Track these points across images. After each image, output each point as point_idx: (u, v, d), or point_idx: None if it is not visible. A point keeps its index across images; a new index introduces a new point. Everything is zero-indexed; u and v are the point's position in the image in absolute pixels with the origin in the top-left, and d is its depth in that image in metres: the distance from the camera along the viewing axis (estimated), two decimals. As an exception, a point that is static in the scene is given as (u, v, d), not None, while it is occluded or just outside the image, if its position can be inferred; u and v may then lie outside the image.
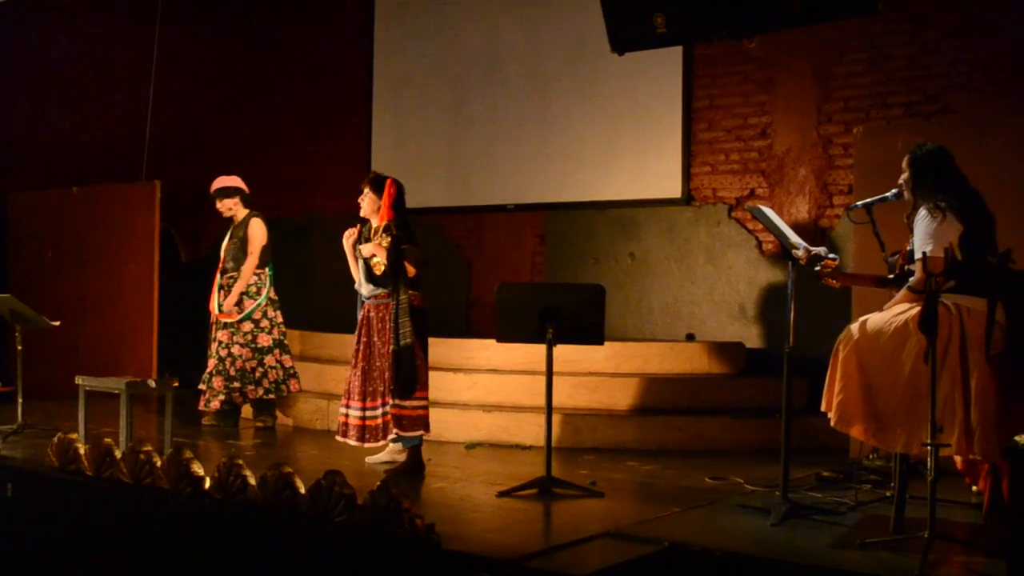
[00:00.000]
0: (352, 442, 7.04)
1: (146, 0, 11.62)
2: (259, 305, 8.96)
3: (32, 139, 13.21)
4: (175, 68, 11.96)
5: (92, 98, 12.98)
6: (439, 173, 11.17)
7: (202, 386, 8.94)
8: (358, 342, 7.16)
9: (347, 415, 7.08)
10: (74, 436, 6.69)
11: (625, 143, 10.03)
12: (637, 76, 9.79)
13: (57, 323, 8.70)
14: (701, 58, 9.68)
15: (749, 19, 6.82)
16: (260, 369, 8.92)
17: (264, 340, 8.97)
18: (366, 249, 7.06)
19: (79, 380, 7.68)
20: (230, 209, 9.16)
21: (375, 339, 7.08)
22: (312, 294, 11.96)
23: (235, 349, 8.88)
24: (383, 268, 7.00)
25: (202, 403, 8.96)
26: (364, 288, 7.16)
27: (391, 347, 6.90)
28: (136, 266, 10.66)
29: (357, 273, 7.23)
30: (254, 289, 8.99)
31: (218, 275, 9.11)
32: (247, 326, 8.93)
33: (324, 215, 11.97)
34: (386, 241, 7.02)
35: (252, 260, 8.99)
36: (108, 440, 6.41)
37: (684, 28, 7.20)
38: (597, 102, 10.21)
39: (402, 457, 7.09)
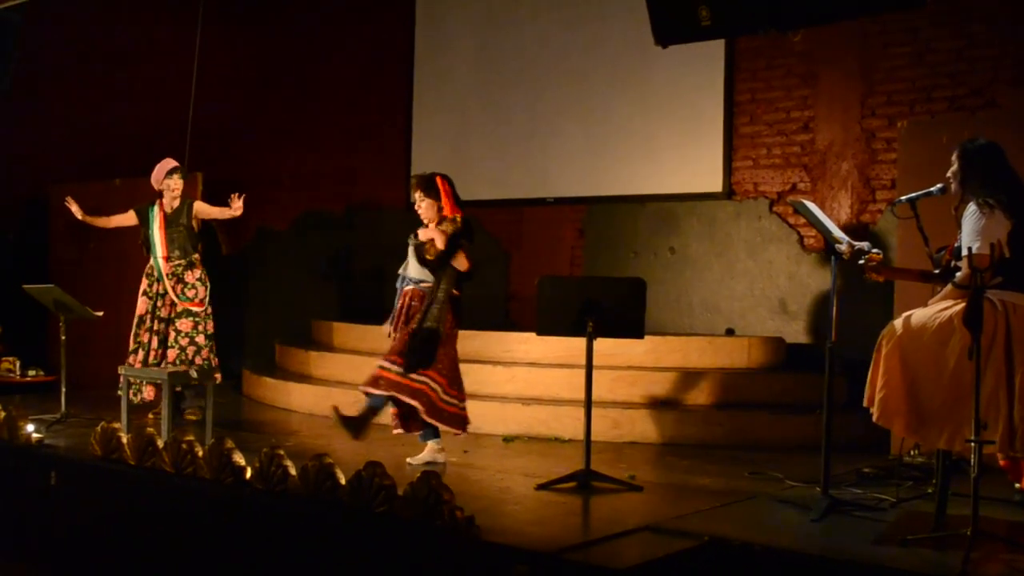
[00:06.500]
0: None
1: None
2: (209, 292, 8.97)
3: (76, 132, 13.31)
4: (218, 62, 12.01)
5: (135, 91, 13.06)
6: (479, 166, 11.17)
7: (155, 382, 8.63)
8: (396, 329, 7.14)
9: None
10: (117, 425, 6.75)
11: (666, 137, 9.99)
12: (679, 69, 9.75)
13: (100, 313, 8.77)
14: (743, 51, 9.63)
15: (794, 12, 6.77)
16: (214, 358, 8.92)
17: (210, 327, 8.96)
18: (424, 233, 7.04)
19: (121, 370, 7.74)
20: (177, 189, 8.96)
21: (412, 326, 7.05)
22: (351, 286, 12.00)
23: (199, 339, 8.86)
24: (435, 252, 6.97)
25: (148, 394, 8.71)
26: (413, 270, 7.13)
27: (417, 325, 6.91)
28: (178, 257, 10.73)
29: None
30: (205, 276, 8.97)
31: (162, 264, 8.83)
32: (204, 315, 8.93)
33: (364, 207, 12.01)
34: (449, 228, 7.01)
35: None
36: (151, 429, 6.48)
37: (729, 21, 7.16)
38: (638, 95, 10.18)
39: (442, 457, 7.06)
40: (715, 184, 9.75)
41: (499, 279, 11.10)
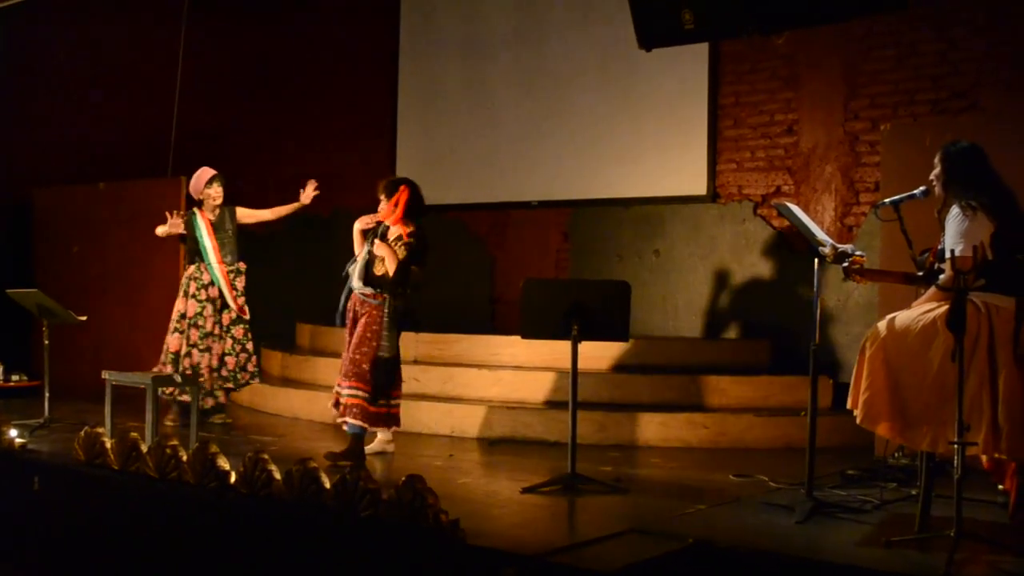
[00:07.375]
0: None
1: (173, -1, 11.68)
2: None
3: (59, 135, 13.25)
4: (201, 66, 11.98)
5: (119, 94, 13.01)
6: (464, 169, 11.17)
7: (229, 384, 8.86)
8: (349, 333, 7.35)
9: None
10: (100, 430, 6.71)
11: (650, 140, 10.00)
12: (663, 72, 9.76)
13: (83, 318, 8.73)
14: (728, 54, 9.65)
15: (778, 15, 6.79)
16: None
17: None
18: (379, 249, 7.15)
19: (105, 375, 7.71)
20: (219, 197, 8.94)
21: (356, 329, 7.25)
22: (336, 289, 11.96)
23: (249, 346, 8.93)
24: (383, 272, 7.11)
25: (223, 397, 8.92)
26: (356, 280, 7.25)
27: (376, 354, 7.09)
28: (161, 261, 10.68)
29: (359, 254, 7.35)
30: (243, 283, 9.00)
31: (219, 269, 8.80)
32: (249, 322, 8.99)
33: (349, 210, 11.96)
34: (402, 252, 7.12)
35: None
36: (134, 434, 6.44)
37: (712, 24, 7.18)
38: (623, 99, 10.18)
39: (391, 448, 7.37)
40: (699, 187, 9.76)
41: (484, 282, 11.10)
